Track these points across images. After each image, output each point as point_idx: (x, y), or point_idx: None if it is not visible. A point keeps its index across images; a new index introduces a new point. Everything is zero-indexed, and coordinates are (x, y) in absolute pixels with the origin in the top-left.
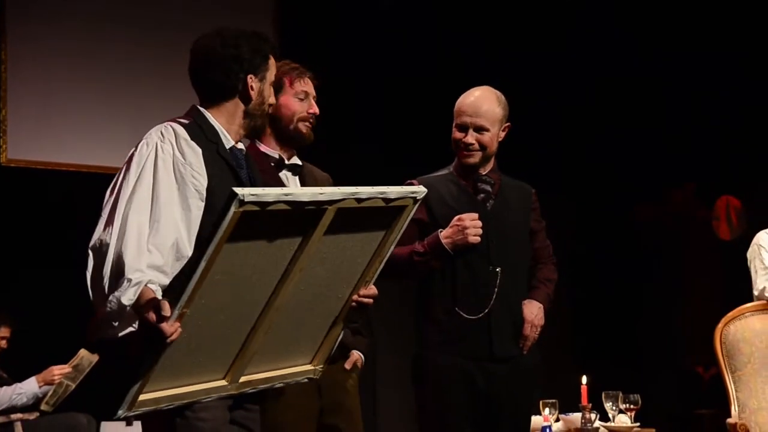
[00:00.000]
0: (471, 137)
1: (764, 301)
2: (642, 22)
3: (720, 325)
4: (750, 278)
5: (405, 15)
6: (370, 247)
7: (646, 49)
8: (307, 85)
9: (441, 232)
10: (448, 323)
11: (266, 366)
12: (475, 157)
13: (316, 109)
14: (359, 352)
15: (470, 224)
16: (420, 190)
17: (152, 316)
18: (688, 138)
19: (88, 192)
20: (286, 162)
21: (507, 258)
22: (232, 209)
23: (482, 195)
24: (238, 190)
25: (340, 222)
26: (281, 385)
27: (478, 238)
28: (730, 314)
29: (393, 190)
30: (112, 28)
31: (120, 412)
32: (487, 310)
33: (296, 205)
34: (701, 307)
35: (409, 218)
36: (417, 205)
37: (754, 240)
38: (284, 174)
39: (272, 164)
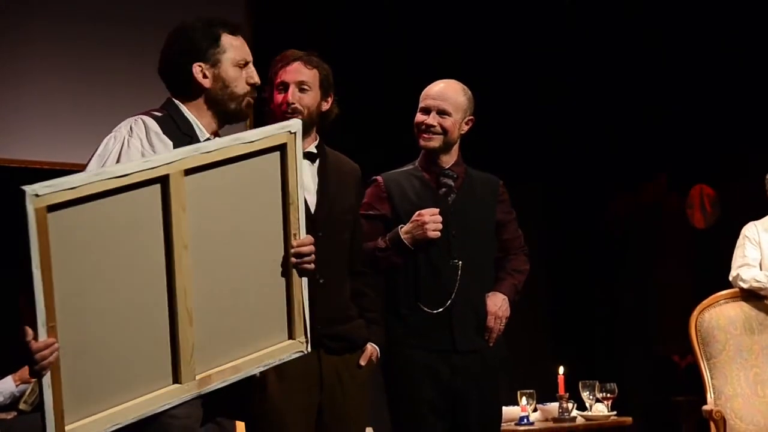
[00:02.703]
0: (433, 119)
1: (738, 289)
2: (615, 15)
3: (695, 313)
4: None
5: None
6: (273, 197)
7: (619, 41)
8: (286, 75)
9: (401, 227)
10: (411, 317)
11: (225, 357)
12: (435, 141)
13: (288, 97)
14: (374, 345)
15: (429, 219)
16: (293, 122)
17: (20, 343)
18: (661, 127)
19: None
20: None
21: (469, 251)
22: (30, 207)
23: (444, 189)
24: (26, 187)
25: (208, 182)
26: (263, 368)
27: (438, 233)
28: (705, 302)
29: (251, 133)
30: (82, 24)
31: None
32: (448, 304)
33: (118, 180)
34: (676, 295)
35: (299, 155)
36: (299, 138)
37: (742, 230)
38: None
39: None
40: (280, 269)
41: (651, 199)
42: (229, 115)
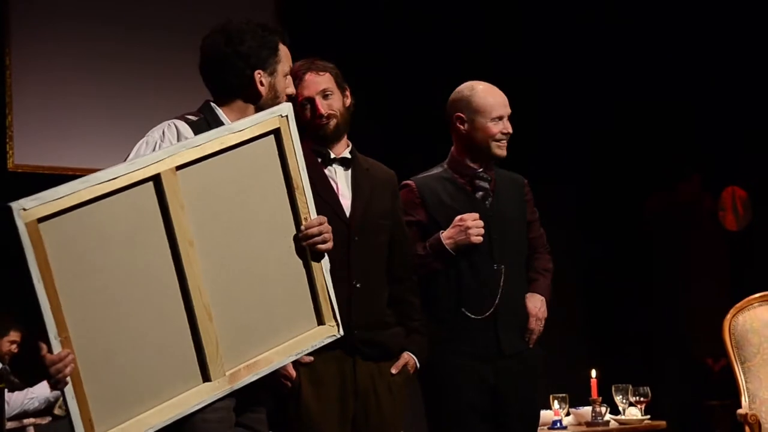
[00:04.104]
0: (509, 127)
1: None
2: (647, 17)
3: (729, 316)
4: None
5: (407, 6)
6: (276, 183)
7: (654, 41)
8: (305, 90)
9: (442, 233)
10: (454, 323)
11: (254, 350)
12: (505, 148)
13: (320, 110)
14: (412, 354)
15: (472, 224)
16: (283, 106)
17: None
18: (694, 128)
19: None
20: (332, 156)
21: (509, 255)
22: (20, 222)
23: (481, 193)
24: (12, 203)
25: (207, 176)
26: (296, 357)
27: (481, 238)
28: (739, 305)
29: (239, 122)
30: (114, 30)
31: None
32: (492, 309)
33: (105, 185)
34: (709, 298)
35: (294, 137)
36: (292, 121)
37: None
38: (333, 168)
39: (319, 159)
40: (295, 255)
41: (685, 201)
42: None
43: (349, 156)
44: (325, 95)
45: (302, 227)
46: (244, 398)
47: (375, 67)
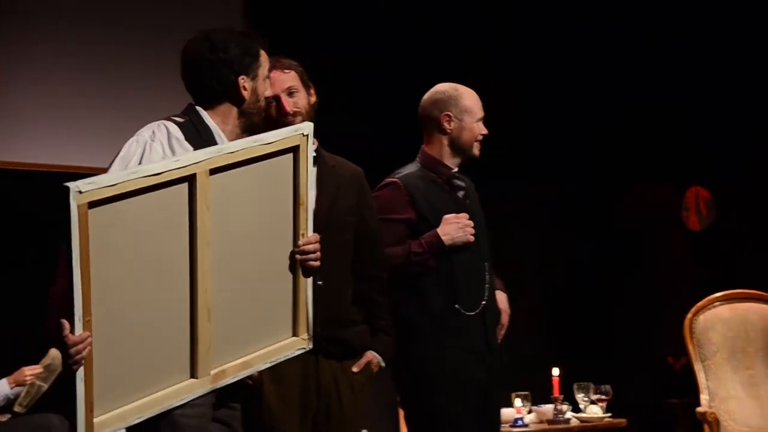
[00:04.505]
0: (485, 129)
1: (733, 291)
2: (624, 21)
3: (689, 315)
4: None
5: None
6: (285, 197)
7: (618, 45)
8: (270, 87)
9: (438, 230)
10: (447, 319)
11: (236, 352)
12: None
13: (286, 108)
14: (375, 353)
15: (468, 223)
16: (305, 125)
17: (57, 336)
18: (660, 131)
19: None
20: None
21: (487, 252)
22: (74, 203)
23: (462, 192)
24: (70, 183)
25: (230, 182)
26: (270, 364)
27: (473, 237)
28: (700, 304)
29: (269, 134)
30: (93, 28)
31: None
32: (482, 305)
33: (151, 178)
34: (672, 297)
35: (311, 154)
36: (311, 139)
37: None
38: None
39: None
40: (288, 267)
41: (648, 201)
42: (253, 126)
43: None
44: (290, 93)
45: (300, 242)
46: (220, 395)
47: (340, 65)
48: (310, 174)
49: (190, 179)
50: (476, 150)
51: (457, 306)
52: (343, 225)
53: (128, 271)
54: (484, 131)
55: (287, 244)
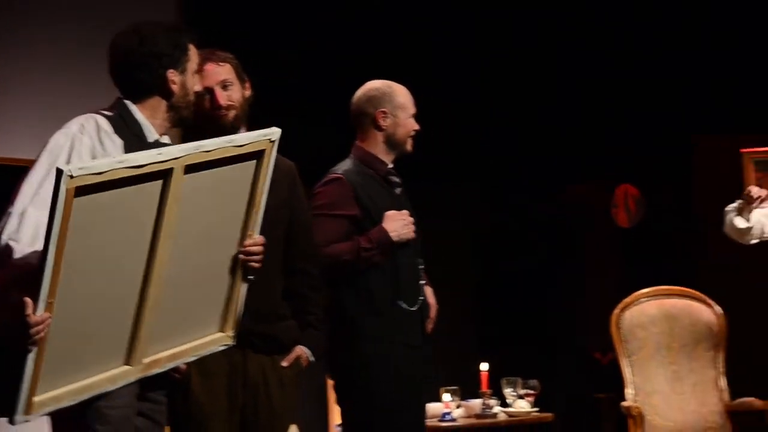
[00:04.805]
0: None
1: (658, 287)
2: (547, 18)
3: (616, 311)
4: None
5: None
6: (241, 199)
7: (542, 43)
8: (205, 80)
9: (383, 226)
10: (390, 315)
11: (169, 343)
12: None
13: (219, 101)
14: (305, 348)
15: (410, 219)
16: (273, 131)
17: (15, 314)
18: (587, 127)
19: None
20: None
21: (420, 249)
22: (63, 187)
23: (399, 189)
24: (63, 166)
25: (199, 180)
26: (195, 358)
27: (414, 234)
28: (626, 300)
29: (242, 136)
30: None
31: (17, 417)
32: (420, 300)
33: (135, 169)
34: (600, 293)
35: (272, 161)
36: (275, 147)
37: None
38: None
39: None
40: (230, 264)
41: (578, 199)
42: (182, 120)
43: None
44: (224, 86)
45: (246, 243)
46: (145, 387)
47: (274, 59)
48: (269, 177)
49: (168, 173)
50: (409, 146)
51: (399, 302)
52: (275, 219)
53: (92, 256)
54: (417, 127)
55: (231, 243)
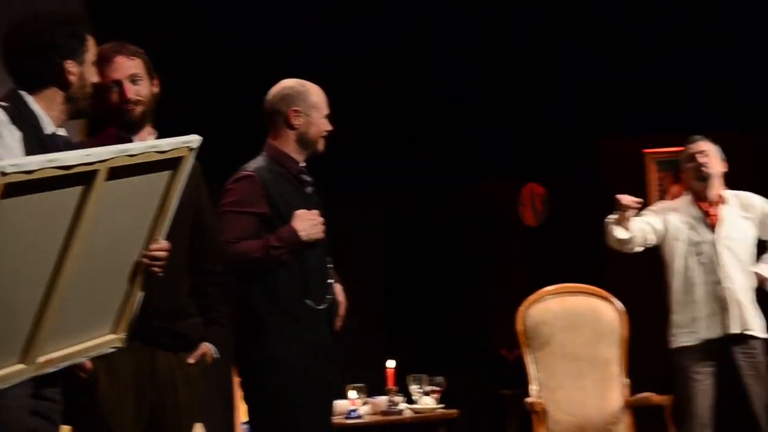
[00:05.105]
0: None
1: (563, 285)
2: (450, 17)
3: (522, 308)
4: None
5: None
6: (153, 203)
7: (452, 42)
8: (114, 72)
9: (293, 225)
10: (297, 313)
11: (65, 342)
12: None
13: (128, 94)
14: (210, 345)
15: (319, 219)
16: (193, 138)
17: None
18: (495, 127)
19: None
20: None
21: (329, 249)
22: None
23: (310, 188)
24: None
25: (118, 183)
26: (85, 359)
27: (323, 234)
28: (532, 297)
29: (165, 142)
30: None
31: None
32: (328, 299)
33: (64, 169)
34: (506, 290)
35: (189, 168)
36: (194, 154)
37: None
38: None
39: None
40: (132, 266)
41: (485, 197)
42: (80, 112)
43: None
44: (133, 80)
45: (152, 246)
46: (40, 386)
47: (181, 55)
48: (183, 184)
49: (93, 175)
50: (321, 145)
51: (307, 301)
52: (180, 219)
53: (9, 252)
54: (329, 127)
55: (137, 245)
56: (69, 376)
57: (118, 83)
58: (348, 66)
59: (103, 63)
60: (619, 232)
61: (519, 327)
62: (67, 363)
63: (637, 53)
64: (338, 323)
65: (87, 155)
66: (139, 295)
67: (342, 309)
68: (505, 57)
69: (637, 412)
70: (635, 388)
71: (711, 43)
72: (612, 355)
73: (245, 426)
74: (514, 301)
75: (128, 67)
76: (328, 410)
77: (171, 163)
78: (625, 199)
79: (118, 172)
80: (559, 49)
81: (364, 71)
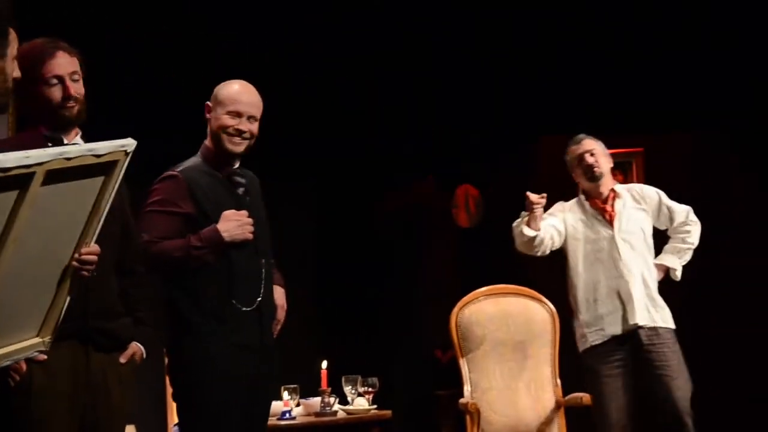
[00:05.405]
0: (245, 125)
1: (496, 286)
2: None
3: (456, 309)
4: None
5: None
6: (86, 207)
7: (390, 40)
8: (57, 67)
9: (217, 226)
10: (223, 314)
11: None
12: (243, 146)
13: (71, 91)
14: (139, 344)
15: (247, 221)
16: (129, 142)
17: None
18: (428, 128)
19: None
20: (66, 143)
21: (266, 250)
22: None
23: (242, 189)
24: None
25: (52, 184)
26: (8, 363)
27: (252, 235)
28: (465, 298)
29: (102, 146)
30: None
31: None
32: (259, 301)
33: (2, 171)
34: (440, 291)
35: (123, 172)
36: (128, 158)
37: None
38: None
39: (50, 144)
40: (60, 270)
41: (418, 198)
42: (0, 107)
43: (81, 142)
44: (73, 78)
45: (82, 250)
46: None
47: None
48: (117, 187)
49: (29, 177)
50: (228, 143)
51: (233, 302)
52: (111, 218)
53: None
54: (230, 124)
55: (68, 248)
56: (2, 378)
57: (61, 79)
58: (287, 62)
59: (42, 57)
60: (528, 231)
61: (452, 328)
62: None
63: (576, 52)
64: (276, 327)
65: (26, 157)
66: (65, 299)
67: (281, 313)
68: (443, 56)
69: (569, 412)
70: (567, 388)
71: (651, 41)
72: (544, 355)
73: (176, 428)
74: (447, 302)
75: (70, 64)
76: (258, 411)
77: (106, 167)
78: (532, 196)
79: (52, 175)
80: (496, 48)
81: (304, 67)
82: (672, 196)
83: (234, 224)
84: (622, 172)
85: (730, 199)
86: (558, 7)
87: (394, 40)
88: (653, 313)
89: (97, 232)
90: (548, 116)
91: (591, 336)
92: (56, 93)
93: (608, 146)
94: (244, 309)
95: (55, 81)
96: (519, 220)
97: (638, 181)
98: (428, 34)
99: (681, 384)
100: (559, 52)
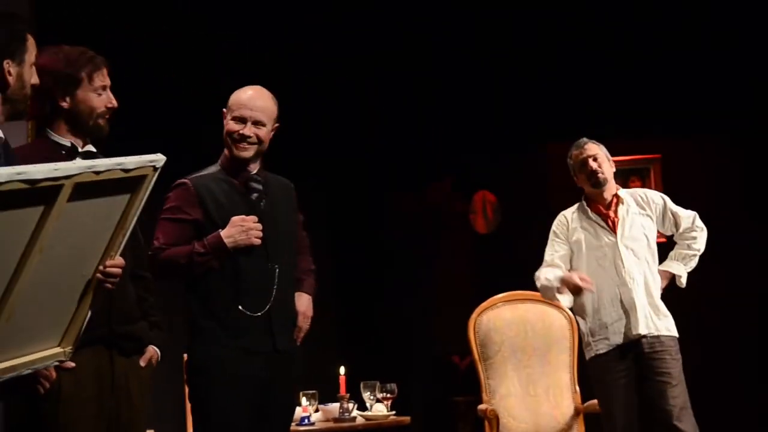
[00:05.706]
0: (249, 130)
1: (514, 292)
2: (409, 17)
3: (474, 315)
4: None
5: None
6: (113, 220)
7: (406, 42)
8: (105, 78)
9: (222, 232)
10: (229, 319)
11: (11, 354)
12: (250, 151)
13: (114, 103)
14: (155, 348)
15: (253, 225)
16: (159, 158)
17: None
18: (448, 134)
19: None
20: (80, 150)
21: (281, 255)
22: None
23: (256, 194)
24: None
25: (80, 197)
26: (29, 371)
27: (259, 240)
28: (483, 304)
29: (131, 161)
30: None
31: None
32: (268, 307)
33: (31, 183)
34: (458, 297)
35: (150, 187)
36: (157, 174)
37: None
38: (77, 161)
39: (63, 152)
40: (85, 281)
41: (435, 202)
42: (17, 114)
43: (93, 149)
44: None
45: (107, 263)
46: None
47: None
48: (143, 202)
49: (58, 190)
50: (234, 149)
51: (240, 307)
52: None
53: None
54: (235, 129)
55: (92, 261)
56: (31, 385)
57: (106, 90)
58: (296, 66)
59: (97, 64)
60: (564, 301)
61: (471, 334)
62: (10, 375)
63: (588, 59)
64: (299, 334)
65: (56, 169)
66: (88, 311)
67: (301, 320)
68: (458, 62)
69: (588, 419)
70: (585, 395)
71: (660, 48)
72: (563, 362)
73: None
74: (465, 308)
75: (107, 76)
76: (273, 415)
77: (133, 181)
78: (582, 282)
79: (81, 188)
80: (509, 55)
81: (318, 71)
82: (690, 203)
83: (238, 230)
84: (641, 178)
85: (749, 206)
86: (575, 15)
87: (411, 45)
88: (656, 322)
89: (122, 245)
90: (559, 123)
91: (596, 345)
92: (102, 101)
93: (626, 152)
94: (250, 314)
95: (101, 90)
96: (552, 279)
97: (656, 188)
98: (446, 38)
99: (678, 392)
100: (579, 57)
